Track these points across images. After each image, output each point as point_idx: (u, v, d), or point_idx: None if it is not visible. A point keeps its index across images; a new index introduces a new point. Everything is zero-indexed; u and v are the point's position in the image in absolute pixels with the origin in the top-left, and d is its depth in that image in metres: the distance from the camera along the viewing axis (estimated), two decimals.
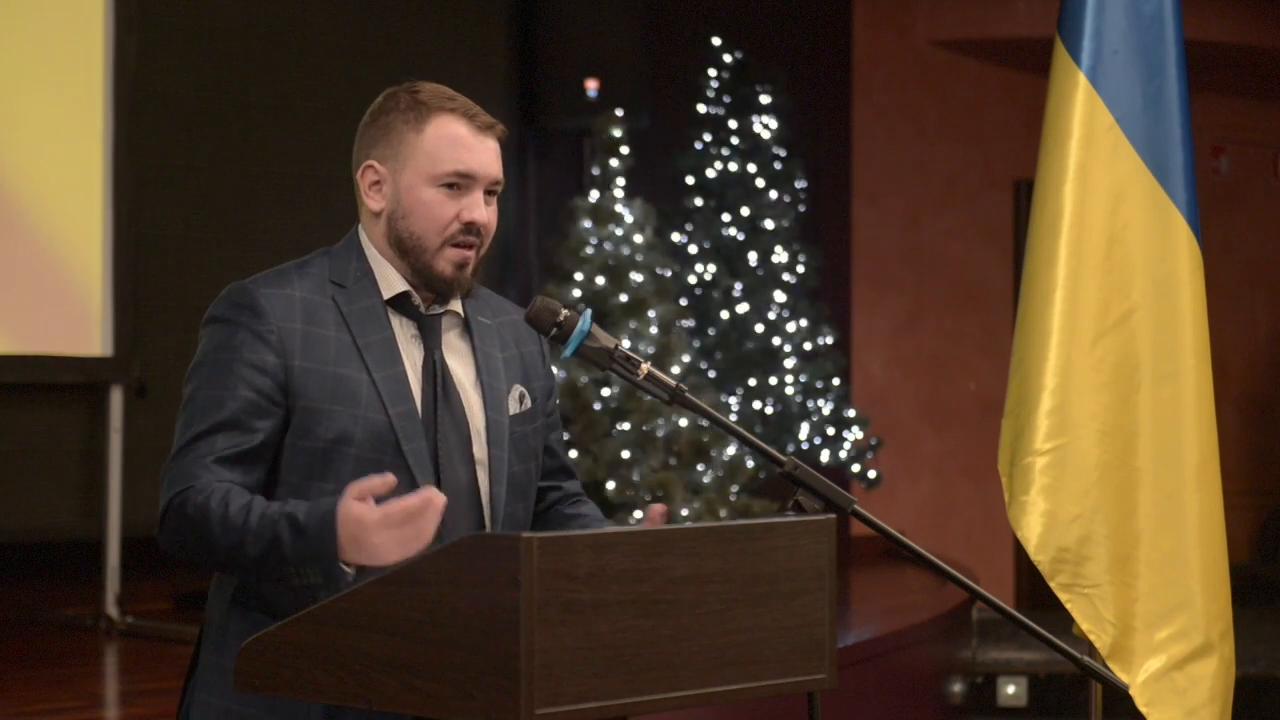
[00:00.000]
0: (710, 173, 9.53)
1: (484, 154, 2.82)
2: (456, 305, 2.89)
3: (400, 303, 2.85)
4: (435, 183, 2.81)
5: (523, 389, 2.92)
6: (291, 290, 2.79)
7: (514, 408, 2.89)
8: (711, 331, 9.37)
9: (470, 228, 2.81)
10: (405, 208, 2.82)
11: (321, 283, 2.82)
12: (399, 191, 2.82)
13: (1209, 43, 10.23)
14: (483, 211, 2.82)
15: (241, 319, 2.76)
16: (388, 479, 2.55)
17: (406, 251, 2.82)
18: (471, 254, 2.83)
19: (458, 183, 2.81)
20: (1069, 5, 4.30)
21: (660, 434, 7.83)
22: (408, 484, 2.75)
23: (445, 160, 2.80)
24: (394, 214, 2.83)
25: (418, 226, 2.81)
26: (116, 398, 7.28)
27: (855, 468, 9.60)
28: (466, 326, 2.90)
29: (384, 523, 2.53)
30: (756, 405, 9.37)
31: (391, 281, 2.84)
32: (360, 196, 2.87)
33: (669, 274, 8.40)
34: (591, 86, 8.78)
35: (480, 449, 2.84)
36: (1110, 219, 4.25)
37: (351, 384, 2.76)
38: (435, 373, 2.83)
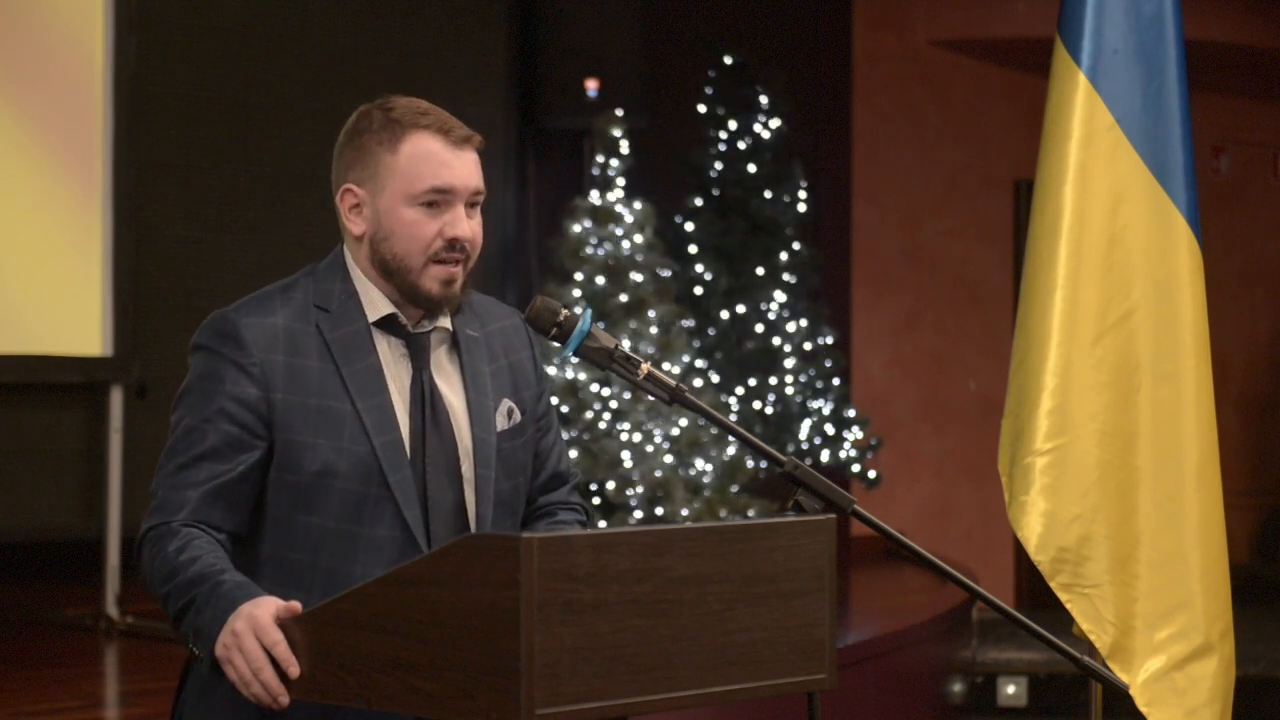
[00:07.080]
0: (710, 173, 9.53)
1: (461, 168, 2.76)
2: (445, 321, 2.84)
3: (387, 323, 2.80)
4: (414, 202, 2.75)
5: (511, 403, 2.87)
6: (274, 319, 2.75)
7: (502, 424, 2.85)
8: (711, 331, 9.37)
9: (454, 244, 2.75)
10: (386, 229, 2.76)
11: (305, 308, 2.78)
12: (379, 214, 2.77)
13: (1209, 43, 10.22)
14: (465, 226, 2.76)
15: (224, 350, 2.72)
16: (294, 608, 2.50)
17: (392, 273, 2.77)
18: (458, 270, 2.77)
19: (437, 200, 2.75)
20: (1069, 5, 4.29)
21: (660, 434, 7.83)
22: (393, 514, 2.72)
23: (422, 178, 2.74)
24: (376, 236, 2.77)
25: (400, 247, 2.75)
26: (116, 398, 7.28)
27: (855, 468, 9.60)
28: (455, 343, 2.85)
29: (257, 643, 2.48)
30: (756, 405, 9.37)
31: (377, 304, 2.80)
32: (341, 220, 2.82)
33: (669, 274, 8.40)
34: (591, 86, 8.78)
35: (468, 468, 2.80)
36: (1110, 219, 4.25)
37: (335, 415, 2.72)
38: (424, 394, 2.79)
